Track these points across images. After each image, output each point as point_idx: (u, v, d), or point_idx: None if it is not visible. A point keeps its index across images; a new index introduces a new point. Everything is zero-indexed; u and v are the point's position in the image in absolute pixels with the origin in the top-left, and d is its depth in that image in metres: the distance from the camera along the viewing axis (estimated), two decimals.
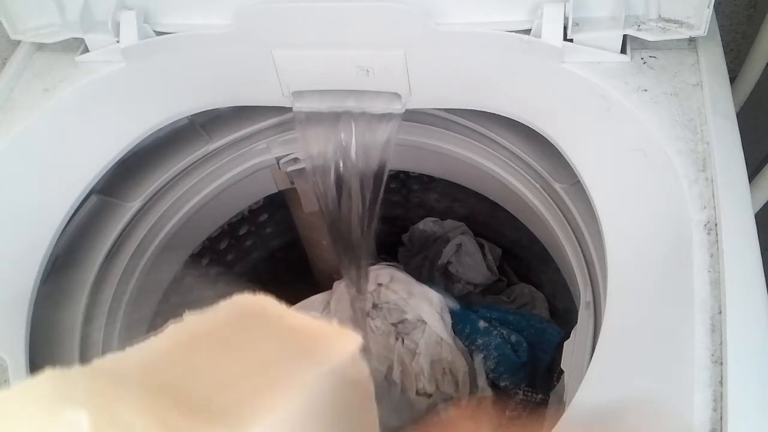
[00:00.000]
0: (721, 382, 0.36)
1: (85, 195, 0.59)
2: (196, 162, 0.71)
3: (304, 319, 0.25)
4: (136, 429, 0.20)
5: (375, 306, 0.87)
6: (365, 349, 0.26)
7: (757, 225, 0.42)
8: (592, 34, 0.52)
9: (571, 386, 0.51)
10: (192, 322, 0.26)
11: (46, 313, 0.56)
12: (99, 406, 0.21)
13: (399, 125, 0.62)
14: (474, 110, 0.61)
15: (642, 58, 0.52)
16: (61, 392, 0.22)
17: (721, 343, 0.37)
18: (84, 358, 0.59)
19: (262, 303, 0.27)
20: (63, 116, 0.59)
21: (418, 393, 0.80)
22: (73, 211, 0.58)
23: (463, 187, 0.77)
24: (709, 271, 0.41)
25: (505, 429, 0.21)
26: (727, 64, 0.51)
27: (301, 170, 0.76)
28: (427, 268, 0.95)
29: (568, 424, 0.21)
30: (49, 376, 0.22)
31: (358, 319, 0.81)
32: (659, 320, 0.40)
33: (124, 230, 0.67)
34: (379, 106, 0.61)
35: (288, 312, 0.26)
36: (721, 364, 0.37)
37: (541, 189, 0.64)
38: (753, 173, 0.57)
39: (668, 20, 0.51)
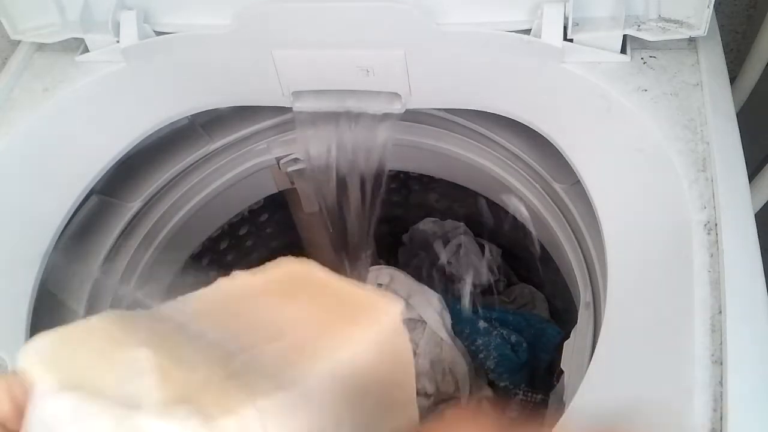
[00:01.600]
0: (721, 382, 0.36)
1: (85, 195, 0.59)
2: (196, 162, 0.71)
3: (349, 284, 0.26)
4: (198, 369, 0.21)
5: None
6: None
7: (757, 225, 0.42)
8: (592, 34, 0.52)
9: (571, 386, 0.51)
10: (241, 280, 0.26)
11: (46, 313, 0.56)
12: (161, 347, 0.21)
13: (397, 125, 0.62)
14: (474, 110, 0.61)
15: (642, 58, 0.52)
16: (124, 331, 0.22)
17: (721, 343, 0.37)
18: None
19: (308, 266, 0.27)
20: (63, 116, 0.59)
21: (418, 393, 0.80)
22: (73, 211, 0.58)
23: (463, 187, 0.77)
24: (709, 271, 0.40)
25: (506, 429, 0.21)
26: (727, 64, 0.51)
27: (301, 170, 0.75)
28: (427, 268, 0.94)
29: (568, 424, 0.21)
30: (110, 315, 0.23)
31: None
32: (659, 320, 0.40)
33: (124, 230, 0.67)
34: (379, 106, 0.61)
35: (333, 276, 0.26)
36: (721, 364, 0.37)
37: (540, 189, 0.64)
38: (753, 173, 0.57)
39: (668, 20, 0.51)
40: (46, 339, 0.22)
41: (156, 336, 0.22)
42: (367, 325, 0.24)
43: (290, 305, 0.25)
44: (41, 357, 0.21)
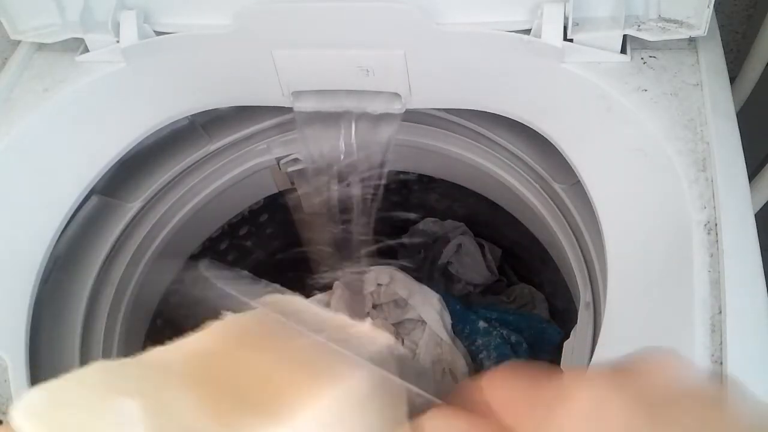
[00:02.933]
0: (721, 382, 0.36)
1: (85, 195, 0.59)
2: (196, 162, 0.71)
3: (337, 318, 0.26)
4: (186, 417, 0.21)
5: (375, 306, 0.87)
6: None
7: (757, 225, 0.42)
8: (592, 34, 0.52)
9: None
10: (232, 321, 0.27)
11: (46, 313, 0.56)
12: (149, 395, 0.22)
13: (398, 125, 0.62)
14: (474, 110, 0.61)
15: (642, 58, 0.52)
16: (112, 382, 0.22)
17: (721, 343, 0.37)
18: (84, 358, 0.59)
19: (294, 302, 0.27)
20: (63, 116, 0.59)
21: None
22: (73, 212, 0.58)
23: (463, 187, 0.77)
24: (709, 271, 0.40)
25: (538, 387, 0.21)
26: (727, 64, 0.51)
27: (302, 171, 0.76)
28: (427, 269, 0.95)
29: (594, 370, 0.21)
30: (98, 366, 0.23)
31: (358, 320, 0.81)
32: (659, 320, 0.40)
33: (124, 231, 0.67)
34: (379, 106, 0.61)
35: (321, 310, 0.26)
36: (721, 364, 0.37)
37: (540, 189, 0.64)
38: (753, 173, 0.57)
39: (668, 20, 0.51)
40: (37, 394, 0.22)
41: (144, 384, 0.22)
42: (360, 351, 0.24)
43: (281, 344, 0.26)
44: (33, 412, 0.21)
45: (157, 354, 0.25)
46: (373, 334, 0.26)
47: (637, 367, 0.21)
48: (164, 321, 0.74)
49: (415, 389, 0.25)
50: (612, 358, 0.22)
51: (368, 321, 0.26)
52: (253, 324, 0.27)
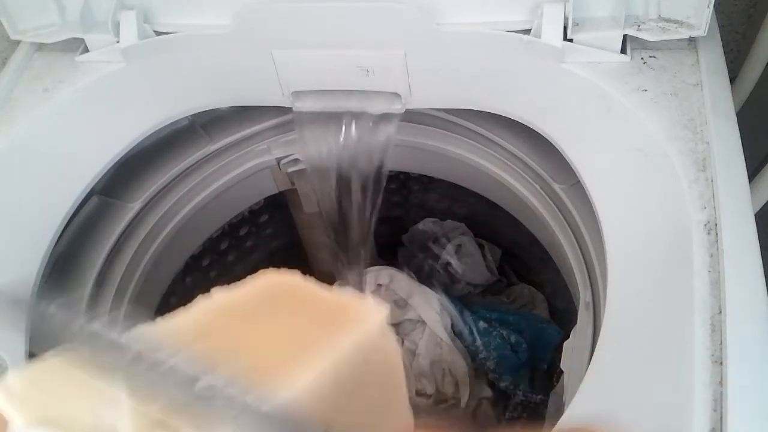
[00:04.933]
0: (721, 382, 0.36)
1: (85, 195, 0.59)
2: (196, 163, 0.71)
3: (331, 293, 0.26)
4: (156, 399, 0.21)
5: None
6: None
7: (757, 225, 0.42)
8: (592, 34, 0.52)
9: (570, 386, 0.51)
10: (220, 298, 0.26)
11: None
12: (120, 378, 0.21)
13: (398, 125, 0.62)
14: (474, 111, 0.61)
15: (642, 58, 0.52)
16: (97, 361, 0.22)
17: (721, 343, 0.37)
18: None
19: (289, 278, 0.27)
20: (63, 116, 0.59)
21: (418, 394, 0.80)
22: (73, 212, 0.58)
23: (463, 187, 0.77)
24: (709, 271, 0.40)
25: None
26: (727, 64, 0.51)
27: (302, 171, 0.75)
28: (427, 269, 0.94)
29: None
30: (72, 350, 0.22)
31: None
32: (659, 320, 0.40)
33: (124, 231, 0.67)
34: (379, 106, 0.61)
35: (315, 286, 0.26)
36: (721, 364, 0.37)
37: (540, 190, 0.64)
38: (753, 173, 0.57)
39: (668, 20, 0.51)
40: (17, 376, 0.22)
41: (115, 368, 0.22)
42: (349, 331, 0.24)
43: (272, 320, 0.25)
44: (13, 394, 0.21)
45: (144, 332, 0.24)
46: (368, 309, 0.25)
47: None
48: None
49: None
50: None
51: (363, 295, 0.26)
52: (242, 299, 0.26)
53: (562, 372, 0.53)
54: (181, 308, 0.25)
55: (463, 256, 0.93)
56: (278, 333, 0.24)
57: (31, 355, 0.50)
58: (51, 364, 0.22)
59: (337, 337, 0.23)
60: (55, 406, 0.21)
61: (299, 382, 0.21)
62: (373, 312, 0.24)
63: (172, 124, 0.64)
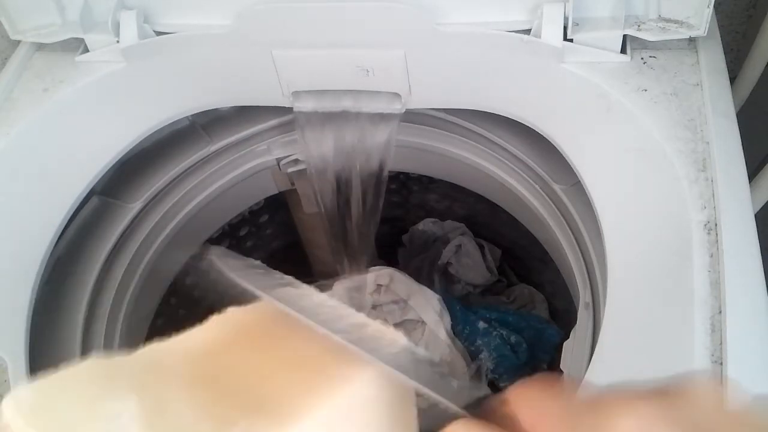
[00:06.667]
0: (721, 382, 0.36)
1: (85, 195, 0.59)
2: (197, 163, 0.71)
3: (355, 315, 0.26)
4: (184, 417, 0.20)
5: (375, 307, 0.87)
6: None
7: (757, 225, 0.42)
8: (592, 34, 0.52)
9: None
10: (235, 316, 0.26)
11: (46, 314, 0.56)
12: (146, 394, 0.21)
13: (398, 125, 0.62)
14: (474, 111, 0.61)
15: (642, 58, 0.52)
16: (108, 379, 0.22)
17: (721, 343, 0.37)
18: (85, 358, 0.59)
19: (308, 296, 0.27)
20: (63, 116, 0.59)
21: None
22: (73, 212, 0.58)
23: (463, 187, 0.77)
24: (709, 271, 0.40)
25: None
26: (727, 64, 0.51)
27: (302, 171, 0.76)
28: (427, 269, 0.94)
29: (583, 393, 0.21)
30: (93, 362, 0.23)
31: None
32: (659, 320, 0.40)
33: (125, 231, 0.67)
34: (379, 106, 0.61)
35: (339, 306, 0.26)
36: (721, 364, 0.37)
37: (540, 190, 0.64)
38: (753, 173, 0.57)
39: (668, 20, 0.51)
40: (27, 390, 0.22)
41: (141, 382, 0.22)
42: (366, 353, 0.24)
43: (285, 342, 0.25)
44: (22, 409, 0.21)
45: (155, 350, 0.24)
46: (392, 335, 0.25)
47: (681, 393, 0.19)
48: (165, 322, 0.74)
49: (436, 397, 0.24)
50: (648, 378, 0.21)
51: (378, 322, 0.26)
52: (256, 319, 0.26)
53: (562, 372, 0.53)
54: (197, 325, 0.25)
55: (462, 256, 0.93)
56: (291, 355, 0.24)
57: (32, 355, 0.50)
58: (62, 378, 0.22)
59: (350, 362, 0.23)
60: (63, 423, 0.21)
61: (315, 406, 0.22)
62: (390, 339, 0.25)
63: (172, 124, 0.64)
